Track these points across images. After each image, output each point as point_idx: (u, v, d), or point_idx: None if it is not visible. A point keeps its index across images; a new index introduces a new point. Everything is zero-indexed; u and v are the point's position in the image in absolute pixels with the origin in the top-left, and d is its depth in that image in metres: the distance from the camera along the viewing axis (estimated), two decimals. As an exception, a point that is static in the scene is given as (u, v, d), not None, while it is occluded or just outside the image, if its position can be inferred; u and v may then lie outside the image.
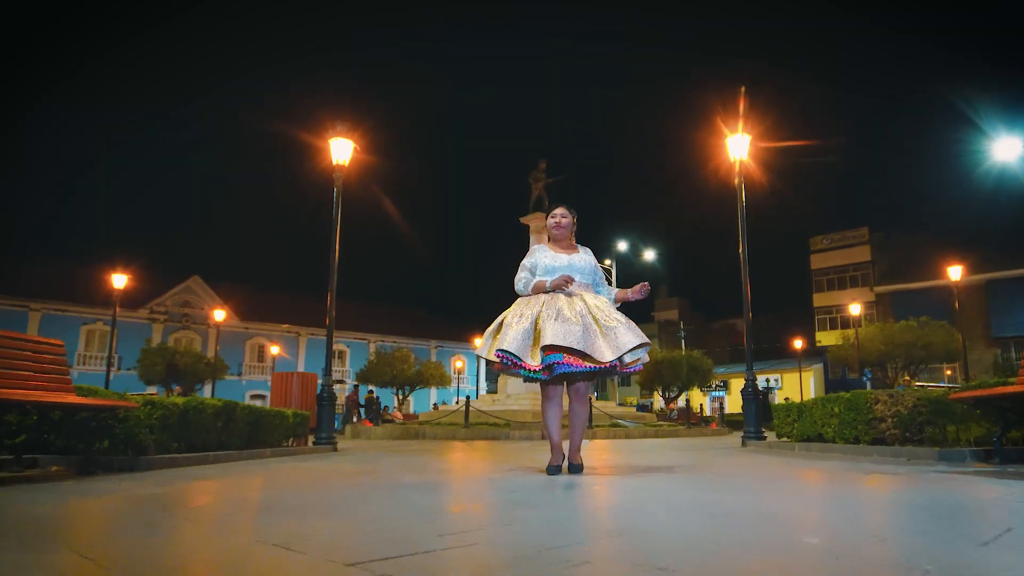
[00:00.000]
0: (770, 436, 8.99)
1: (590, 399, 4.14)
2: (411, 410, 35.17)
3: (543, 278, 4.04)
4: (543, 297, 3.91)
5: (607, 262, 34.49)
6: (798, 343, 33.18)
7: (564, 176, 21.10)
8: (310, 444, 8.78)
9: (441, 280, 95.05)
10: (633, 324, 3.82)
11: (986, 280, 30.61)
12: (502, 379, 19.63)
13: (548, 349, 3.64)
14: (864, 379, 34.79)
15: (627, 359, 3.76)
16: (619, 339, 3.68)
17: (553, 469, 3.96)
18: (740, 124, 9.54)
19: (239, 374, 39.56)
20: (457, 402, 39.17)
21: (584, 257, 4.18)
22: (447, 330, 48.88)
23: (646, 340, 3.76)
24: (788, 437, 7.69)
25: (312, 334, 42.87)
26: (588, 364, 3.66)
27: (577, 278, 4.01)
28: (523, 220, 20.33)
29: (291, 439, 8.36)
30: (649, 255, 36.06)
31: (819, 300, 38.02)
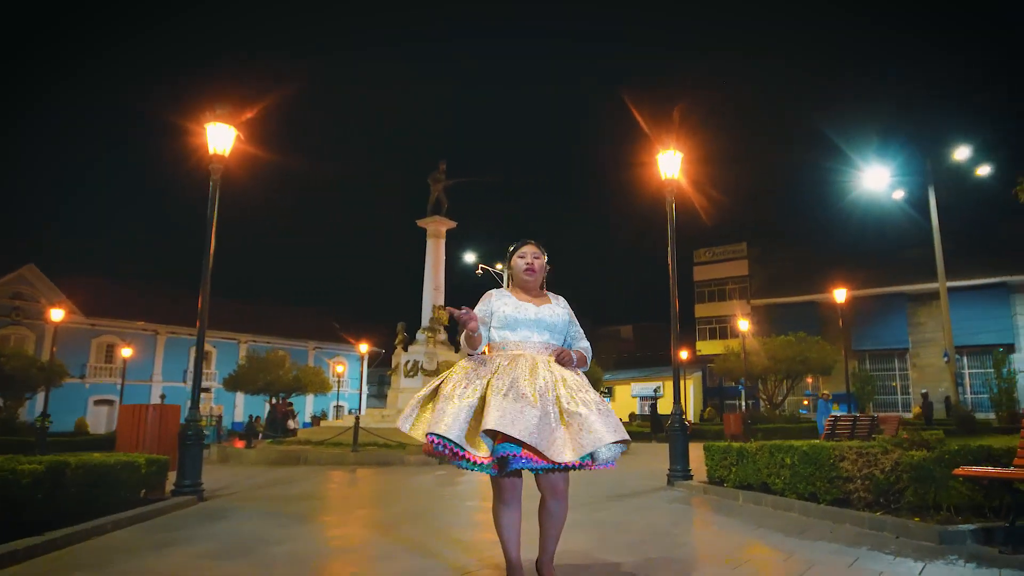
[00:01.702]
0: (694, 468, 8.33)
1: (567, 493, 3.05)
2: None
3: (502, 331, 3.07)
4: (499, 359, 2.97)
5: (498, 266, 33.81)
6: (684, 353, 33.99)
7: (465, 179, 20.07)
8: (168, 494, 7.22)
9: (324, 277, 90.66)
10: (609, 409, 2.87)
11: (851, 297, 32.66)
12: (392, 393, 18.27)
13: (499, 436, 2.68)
14: (739, 388, 36.34)
15: (602, 454, 2.76)
16: (584, 433, 2.72)
17: None
18: (672, 142, 8.94)
19: (82, 377, 35.29)
20: (337, 408, 37.03)
21: (556, 310, 3.16)
22: (327, 331, 46.03)
23: (624, 435, 2.80)
24: (725, 482, 7.08)
25: (172, 332, 39.09)
26: (548, 461, 2.69)
27: (543, 337, 3.07)
28: (420, 223, 19.10)
29: (144, 491, 6.80)
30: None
31: (700, 311, 39.37)
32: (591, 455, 2.72)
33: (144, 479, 6.74)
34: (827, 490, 5.38)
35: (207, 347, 40.56)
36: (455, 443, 2.71)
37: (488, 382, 2.84)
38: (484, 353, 3.09)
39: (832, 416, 10.35)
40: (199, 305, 7.97)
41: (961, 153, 23.43)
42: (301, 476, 10.43)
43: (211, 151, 8.03)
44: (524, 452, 2.65)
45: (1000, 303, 30.44)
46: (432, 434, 2.74)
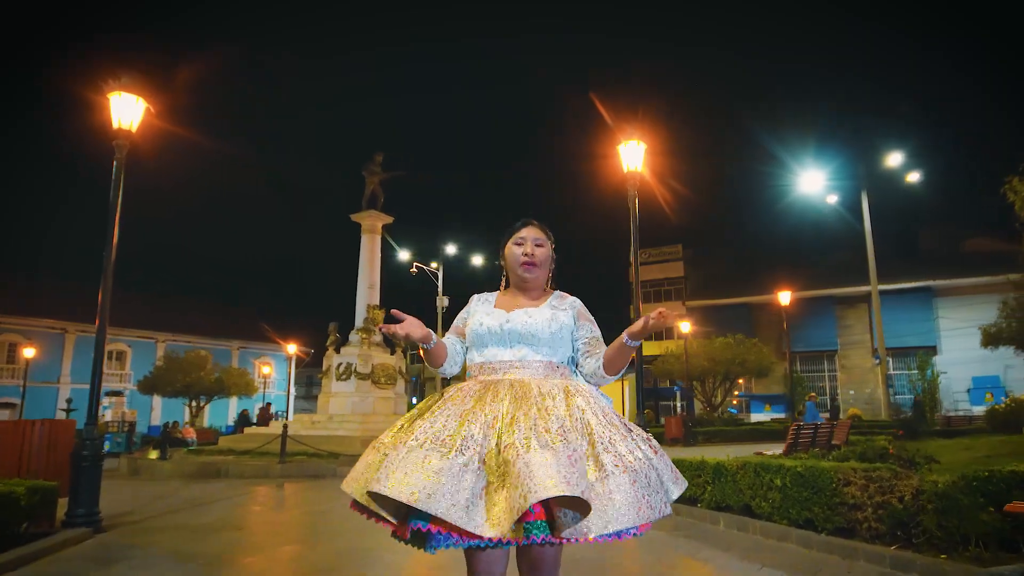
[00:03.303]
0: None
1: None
2: (206, 423, 30.75)
3: (470, 352, 2.32)
4: (451, 391, 2.15)
5: (433, 264, 32.78)
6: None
7: (403, 172, 19.11)
8: (59, 525, 6.09)
9: (251, 272, 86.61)
10: (608, 441, 1.95)
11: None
12: (323, 397, 17.11)
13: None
14: (675, 389, 36.53)
15: (596, 524, 1.81)
16: (514, 488, 1.78)
17: None
18: (636, 134, 8.33)
19: (-20, 378, 32.36)
20: (264, 411, 35.11)
21: (543, 312, 2.26)
22: (253, 329, 43.64)
23: (581, 486, 1.79)
24: (699, 502, 6.48)
25: (83, 331, 36.22)
26: (470, 536, 1.80)
27: (518, 353, 2.21)
28: (354, 217, 18.01)
29: (27, 524, 5.67)
30: (477, 259, 34.85)
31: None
32: (548, 525, 1.82)
33: (25, 511, 5.60)
34: (827, 518, 4.81)
35: (121, 347, 38.02)
36: (360, 502, 1.97)
37: (416, 421, 2.07)
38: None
39: (795, 424, 9.98)
40: (99, 300, 6.84)
41: (889, 161, 24.09)
42: (220, 494, 9.31)
43: (115, 125, 6.89)
44: (434, 524, 1.81)
45: (924, 307, 31.55)
46: (348, 493, 2.02)
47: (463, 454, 1.87)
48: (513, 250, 2.32)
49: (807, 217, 31.79)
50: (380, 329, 2.14)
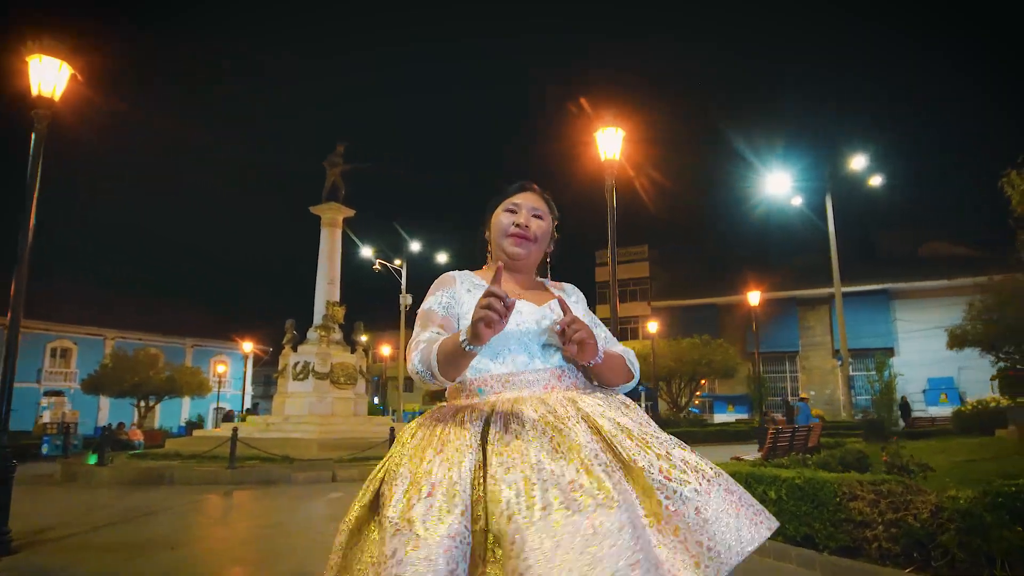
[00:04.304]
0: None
1: None
2: (156, 424, 29.41)
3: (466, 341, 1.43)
4: (472, 415, 1.48)
5: (397, 262, 32.02)
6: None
7: (366, 164, 18.39)
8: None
9: (206, 266, 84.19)
10: (718, 470, 1.42)
11: (748, 301, 33.41)
12: (279, 398, 16.29)
13: None
14: (641, 389, 36.42)
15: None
16: (705, 532, 1.31)
17: None
18: (613, 119, 7.86)
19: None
20: (218, 410, 33.92)
21: (555, 310, 1.65)
22: (208, 326, 42.09)
23: (771, 519, 1.42)
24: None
25: (24, 328, 34.45)
26: None
27: (551, 361, 1.60)
28: (314, 210, 17.22)
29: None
30: (442, 257, 34.16)
31: (602, 312, 39.06)
32: None
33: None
34: (830, 535, 4.36)
35: (67, 344, 36.27)
36: None
37: (479, 473, 1.37)
38: (439, 385, 1.55)
39: (773, 428, 9.64)
40: (12, 291, 6.12)
41: (850, 165, 24.20)
42: (162, 504, 8.54)
43: (35, 92, 6.13)
44: None
45: (881, 309, 31.96)
46: None
47: (621, 504, 1.28)
48: (501, 219, 1.74)
49: (772, 219, 32.01)
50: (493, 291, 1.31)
